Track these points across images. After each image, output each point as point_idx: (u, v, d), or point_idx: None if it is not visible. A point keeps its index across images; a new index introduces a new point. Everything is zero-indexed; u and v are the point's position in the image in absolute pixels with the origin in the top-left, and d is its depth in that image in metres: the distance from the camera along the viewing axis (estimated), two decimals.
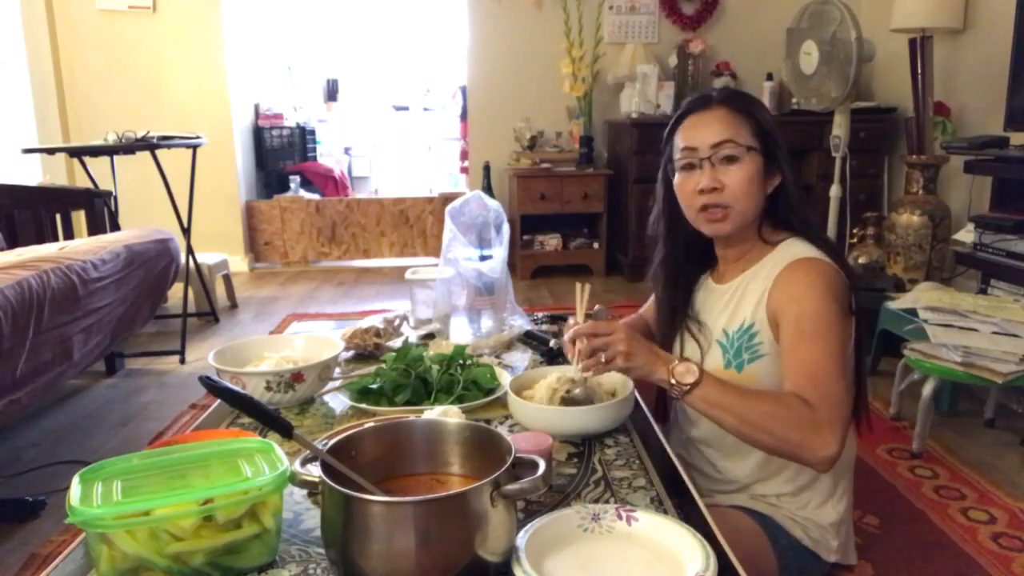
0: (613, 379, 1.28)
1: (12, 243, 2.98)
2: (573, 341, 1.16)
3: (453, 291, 1.71)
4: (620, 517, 0.90)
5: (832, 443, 1.01)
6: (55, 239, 3.06)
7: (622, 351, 1.09)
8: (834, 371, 1.07)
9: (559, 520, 0.86)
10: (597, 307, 1.21)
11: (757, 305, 1.22)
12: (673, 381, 1.07)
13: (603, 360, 1.11)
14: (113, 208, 3.47)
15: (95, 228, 3.05)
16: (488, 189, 5.07)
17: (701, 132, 1.22)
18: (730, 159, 1.20)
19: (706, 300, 1.34)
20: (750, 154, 1.20)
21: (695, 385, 1.06)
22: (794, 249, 1.21)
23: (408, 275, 1.86)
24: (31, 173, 4.26)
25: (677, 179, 1.26)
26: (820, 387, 1.05)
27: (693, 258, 1.36)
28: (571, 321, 1.27)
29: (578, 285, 1.29)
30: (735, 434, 1.09)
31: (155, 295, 2.84)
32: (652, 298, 1.52)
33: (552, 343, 1.62)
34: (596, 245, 4.76)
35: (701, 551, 0.83)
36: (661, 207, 1.34)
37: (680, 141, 1.25)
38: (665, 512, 0.95)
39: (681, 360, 1.09)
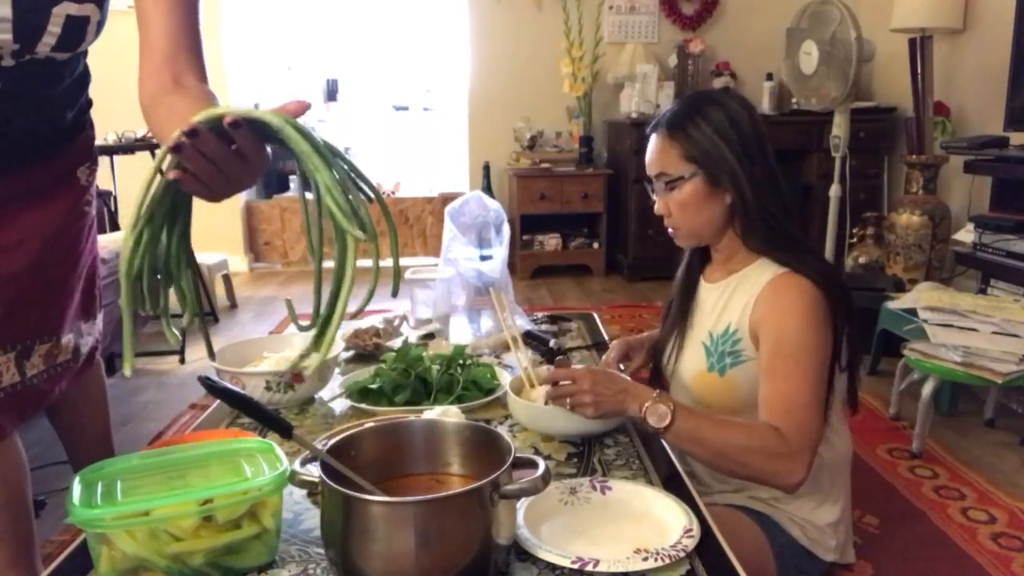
0: None
1: None
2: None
3: (453, 291, 1.71)
4: (595, 488, 0.99)
5: (800, 470, 1.06)
6: None
7: (588, 401, 1.09)
8: (807, 399, 1.10)
9: (540, 498, 0.90)
10: (559, 358, 1.24)
11: (742, 313, 1.22)
12: (645, 424, 1.08)
13: (568, 406, 1.11)
14: (113, 208, 3.47)
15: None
16: (488, 189, 5.07)
17: (647, 160, 1.29)
18: (667, 188, 1.25)
19: (697, 297, 1.35)
20: (679, 183, 1.23)
21: (668, 427, 1.07)
22: (778, 264, 1.22)
23: (408, 275, 1.86)
24: None
25: None
26: (793, 416, 1.08)
27: (702, 252, 1.37)
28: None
29: (492, 291, 1.39)
30: (709, 466, 1.14)
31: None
32: None
33: (552, 343, 1.62)
34: (596, 245, 4.76)
35: (679, 509, 0.91)
36: None
37: None
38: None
39: (655, 399, 1.08)
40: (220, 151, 0.72)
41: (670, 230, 1.31)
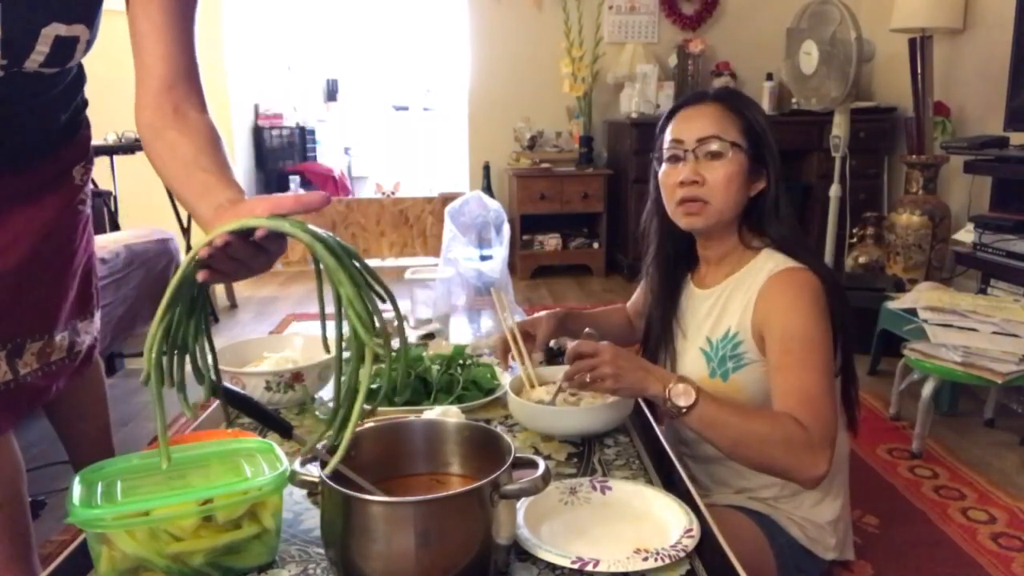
0: None
1: None
2: (505, 347, 1.32)
3: (453, 291, 1.71)
4: (595, 488, 0.98)
5: (823, 463, 1.04)
6: None
7: (609, 373, 1.08)
8: (823, 391, 1.09)
9: (540, 498, 0.90)
10: (587, 331, 1.22)
11: (742, 314, 1.21)
12: (669, 403, 1.07)
13: (587, 380, 1.10)
14: (113, 208, 3.48)
15: (94, 228, 3.05)
16: (488, 189, 5.06)
17: (690, 125, 1.23)
18: (714, 155, 1.21)
19: (688, 304, 1.34)
20: (735, 151, 1.20)
21: (692, 407, 1.05)
22: (776, 259, 1.21)
23: (408, 275, 1.86)
24: None
25: (662, 170, 1.28)
26: (812, 408, 1.07)
27: (682, 255, 1.36)
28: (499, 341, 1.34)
29: (493, 291, 1.35)
30: (727, 453, 1.10)
31: (155, 295, 2.84)
32: (638, 291, 1.53)
33: (552, 343, 1.62)
34: (596, 245, 4.76)
35: (679, 509, 0.91)
36: (654, 202, 1.34)
37: (669, 134, 1.26)
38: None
39: (678, 379, 1.07)
40: (247, 253, 0.76)
41: (691, 204, 1.22)
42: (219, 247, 0.72)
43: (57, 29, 1.00)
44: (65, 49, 1.03)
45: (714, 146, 1.20)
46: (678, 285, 1.36)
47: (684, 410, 1.05)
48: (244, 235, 0.73)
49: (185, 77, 0.96)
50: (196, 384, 0.81)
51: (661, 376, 1.09)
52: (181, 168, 0.88)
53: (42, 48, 1.00)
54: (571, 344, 1.15)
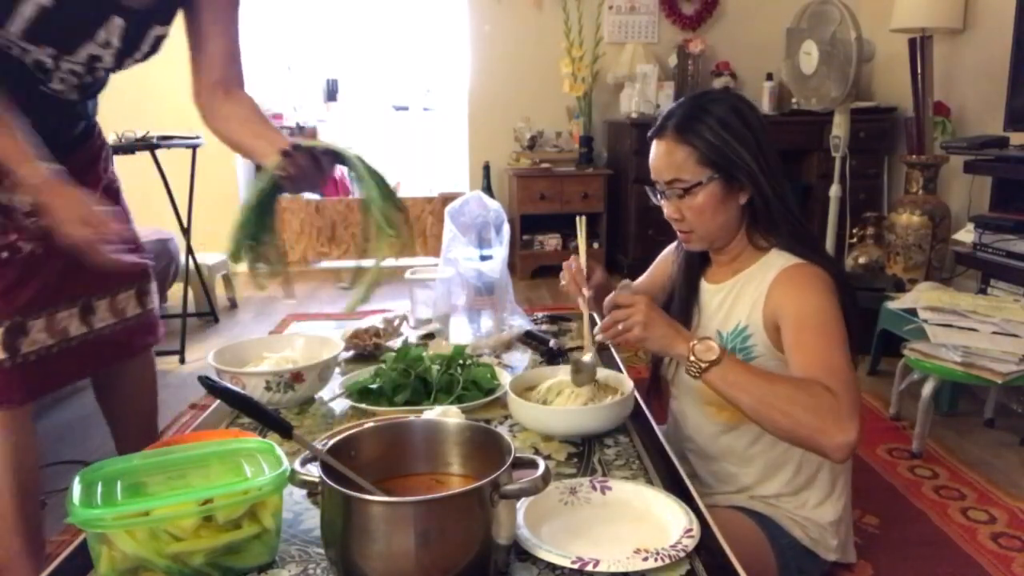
0: (615, 378, 1.28)
1: None
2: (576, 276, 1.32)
3: (453, 291, 1.71)
4: (595, 488, 0.99)
5: (852, 430, 1.01)
6: None
7: (640, 322, 1.11)
8: (844, 363, 1.09)
9: (540, 498, 0.90)
10: (624, 282, 1.23)
11: (752, 308, 1.22)
12: (692, 358, 1.07)
13: (620, 329, 1.13)
14: None
15: None
16: (488, 189, 5.05)
17: (656, 165, 1.25)
18: (682, 194, 1.23)
19: (700, 298, 1.35)
20: (700, 188, 1.21)
21: (714, 364, 1.06)
22: (786, 256, 1.22)
23: (408, 275, 1.86)
24: None
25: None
26: (836, 377, 1.06)
27: (698, 254, 1.37)
28: (571, 261, 1.35)
29: (578, 218, 1.36)
30: (751, 415, 1.08)
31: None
32: (647, 273, 1.53)
33: (552, 343, 1.62)
34: (596, 245, 4.76)
35: (679, 509, 0.91)
36: None
37: (650, 168, 1.29)
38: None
39: (703, 338, 1.09)
40: (308, 164, 1.15)
41: (681, 234, 1.30)
42: (289, 150, 1.11)
43: (157, 31, 1.24)
44: (155, 46, 1.27)
45: (678, 189, 1.23)
46: (698, 276, 1.37)
47: (707, 365, 1.06)
48: (308, 153, 1.12)
49: (237, 66, 1.28)
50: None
51: (687, 336, 1.11)
52: (237, 125, 1.25)
53: (144, 47, 1.24)
54: (610, 295, 1.17)
